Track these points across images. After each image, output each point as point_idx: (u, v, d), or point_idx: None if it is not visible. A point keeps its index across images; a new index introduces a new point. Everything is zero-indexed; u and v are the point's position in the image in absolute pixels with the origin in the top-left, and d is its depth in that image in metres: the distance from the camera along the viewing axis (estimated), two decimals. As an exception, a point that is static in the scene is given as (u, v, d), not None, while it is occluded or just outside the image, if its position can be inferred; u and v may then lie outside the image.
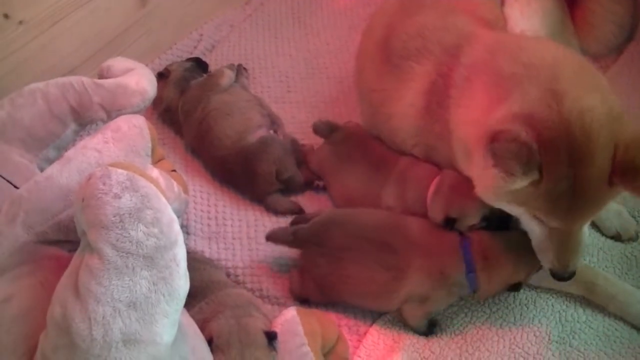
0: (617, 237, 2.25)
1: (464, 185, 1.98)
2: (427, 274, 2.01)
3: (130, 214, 1.45)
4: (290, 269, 2.23)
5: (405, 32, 2.24)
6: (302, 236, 2.11)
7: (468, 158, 1.95)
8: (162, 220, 1.49)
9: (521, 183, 1.72)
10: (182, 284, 1.51)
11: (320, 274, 2.09)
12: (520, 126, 1.72)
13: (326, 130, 2.41)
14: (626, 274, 2.17)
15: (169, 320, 1.47)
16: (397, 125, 2.24)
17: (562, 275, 1.92)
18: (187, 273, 1.54)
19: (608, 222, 2.25)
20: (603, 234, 2.26)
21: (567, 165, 1.71)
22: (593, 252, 2.21)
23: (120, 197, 1.46)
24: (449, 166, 2.10)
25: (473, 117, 1.92)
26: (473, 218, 2.05)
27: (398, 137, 2.26)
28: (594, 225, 2.26)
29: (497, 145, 1.71)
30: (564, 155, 1.71)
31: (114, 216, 1.44)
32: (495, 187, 1.78)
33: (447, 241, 2.03)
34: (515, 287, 2.04)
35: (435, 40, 2.16)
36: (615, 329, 2.05)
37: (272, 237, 2.17)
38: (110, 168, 1.51)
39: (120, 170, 1.50)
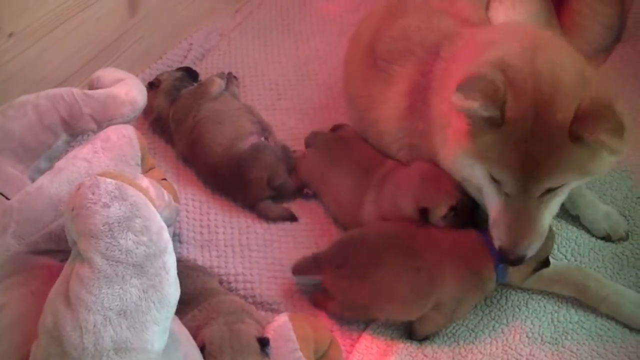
0: (607, 238, 2.26)
1: (434, 174, 2.02)
2: (462, 277, 2.00)
3: (119, 222, 1.46)
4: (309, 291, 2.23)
5: (390, 35, 2.27)
6: (322, 260, 2.09)
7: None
8: (151, 229, 1.50)
9: (481, 113, 1.73)
10: (172, 291, 1.51)
11: (349, 296, 2.07)
12: (491, 69, 1.77)
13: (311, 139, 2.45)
14: (617, 274, 2.18)
15: (160, 327, 1.48)
16: (382, 129, 2.25)
17: (509, 255, 1.89)
18: (177, 280, 1.55)
19: (597, 224, 2.25)
20: (593, 235, 2.27)
21: (530, 112, 1.73)
22: (584, 252, 2.22)
23: (109, 206, 1.47)
24: None
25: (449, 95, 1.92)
26: (444, 207, 2.05)
27: (383, 141, 2.28)
28: (584, 227, 2.27)
29: (463, 82, 1.76)
30: (529, 102, 1.73)
31: (103, 225, 1.45)
32: (459, 139, 1.81)
33: (472, 239, 2.02)
34: (545, 263, 2.03)
35: (417, 41, 2.19)
36: (608, 329, 2.05)
37: (297, 270, 2.13)
38: (99, 178, 1.52)
39: (109, 180, 1.51)
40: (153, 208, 1.53)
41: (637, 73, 2.70)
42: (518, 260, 1.89)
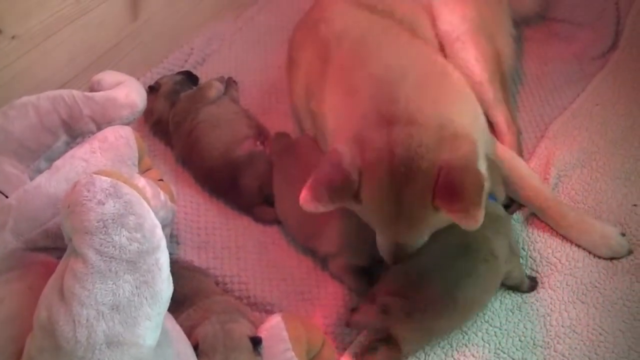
0: (612, 259, 2.24)
1: None
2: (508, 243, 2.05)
3: (113, 219, 1.48)
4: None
5: (302, 26, 2.42)
6: (390, 309, 1.94)
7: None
8: (145, 226, 1.52)
9: (328, 209, 1.77)
10: (165, 287, 1.53)
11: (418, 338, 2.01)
12: (349, 146, 1.78)
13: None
14: (611, 278, 2.19)
15: (152, 323, 1.50)
16: (296, 104, 2.36)
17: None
18: (170, 277, 1.56)
19: (597, 250, 2.25)
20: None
21: (387, 188, 1.76)
22: (578, 257, 2.25)
23: (103, 204, 1.49)
24: None
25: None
26: None
27: (300, 117, 2.38)
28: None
29: (320, 169, 1.78)
30: (385, 178, 1.75)
31: (98, 222, 1.47)
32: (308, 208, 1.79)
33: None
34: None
35: (322, 32, 2.27)
36: (600, 334, 2.06)
37: (357, 324, 2.02)
38: (94, 175, 1.54)
39: (104, 178, 1.53)
40: (147, 206, 1.55)
41: (633, 80, 2.71)
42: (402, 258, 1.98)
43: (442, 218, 1.80)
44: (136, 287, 1.48)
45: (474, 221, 1.67)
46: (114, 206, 1.50)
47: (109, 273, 1.46)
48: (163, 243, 1.55)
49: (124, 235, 1.48)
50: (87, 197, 1.50)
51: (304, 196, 1.74)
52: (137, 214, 1.52)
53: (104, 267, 1.46)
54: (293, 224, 2.31)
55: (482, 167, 1.80)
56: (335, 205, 1.76)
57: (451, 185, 1.71)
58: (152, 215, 1.56)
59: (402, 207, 1.78)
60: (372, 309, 1.95)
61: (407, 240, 1.91)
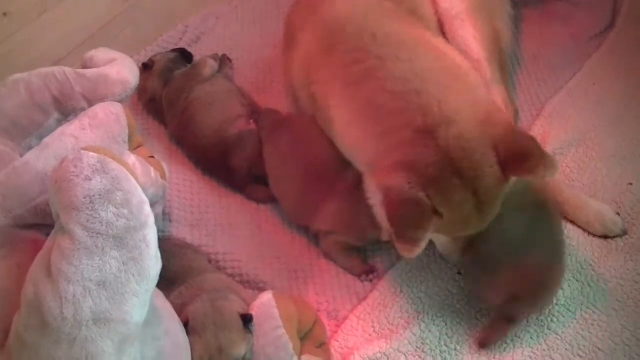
0: (605, 237, 2.25)
1: None
2: None
3: (100, 195, 1.48)
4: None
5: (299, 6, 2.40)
6: (520, 312, 2.00)
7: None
8: (132, 202, 1.51)
9: (427, 239, 1.78)
10: (153, 264, 1.53)
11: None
12: (404, 175, 1.78)
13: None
14: (606, 257, 2.19)
15: (139, 300, 1.49)
16: (294, 83, 2.32)
17: None
18: (159, 254, 1.56)
19: (591, 227, 2.25)
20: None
21: (462, 190, 1.78)
22: (573, 235, 2.24)
23: (90, 179, 1.49)
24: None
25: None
26: None
27: (296, 95, 2.34)
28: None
29: (396, 231, 1.78)
30: (457, 183, 1.78)
31: (85, 197, 1.47)
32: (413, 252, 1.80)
33: None
34: None
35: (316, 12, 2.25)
36: (594, 312, 2.06)
37: (494, 342, 2.02)
38: (82, 151, 1.53)
39: (91, 154, 1.52)
40: (135, 182, 1.55)
41: (630, 60, 2.70)
42: None
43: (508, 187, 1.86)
44: (123, 264, 1.47)
45: (552, 166, 1.76)
46: (101, 182, 1.49)
47: (95, 249, 1.45)
48: (151, 219, 1.55)
49: (110, 211, 1.48)
50: (74, 173, 1.50)
51: (402, 249, 1.78)
52: (124, 190, 1.51)
53: (91, 243, 1.45)
54: (289, 202, 2.30)
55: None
56: (429, 234, 1.77)
57: (514, 153, 1.78)
58: (140, 191, 1.55)
59: (481, 199, 1.81)
60: (501, 323, 2.00)
61: (484, 227, 1.92)
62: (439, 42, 2.14)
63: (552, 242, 2.01)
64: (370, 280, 2.20)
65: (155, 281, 1.56)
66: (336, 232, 2.20)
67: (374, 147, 1.91)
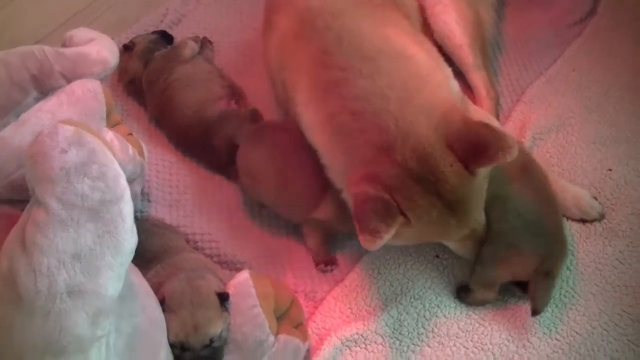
0: (582, 221, 2.25)
1: None
2: None
3: (76, 168, 1.48)
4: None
5: None
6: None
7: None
8: (108, 175, 1.51)
9: (391, 233, 1.76)
10: (128, 238, 1.52)
11: None
12: (370, 185, 1.78)
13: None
14: (585, 241, 2.20)
15: (114, 273, 1.49)
16: (271, 66, 2.31)
17: None
18: (134, 228, 1.56)
19: (568, 211, 2.25)
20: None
21: (425, 195, 1.78)
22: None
23: (66, 152, 1.48)
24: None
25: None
26: None
27: (271, 79, 2.33)
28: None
29: (360, 222, 1.76)
30: (419, 190, 1.77)
31: (60, 170, 1.47)
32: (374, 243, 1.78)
33: None
34: None
35: None
36: (572, 296, 2.08)
37: (539, 308, 2.01)
38: (58, 125, 1.53)
39: (67, 127, 1.52)
40: (111, 155, 1.54)
41: (610, 47, 2.70)
42: None
43: (483, 178, 1.85)
44: (98, 237, 1.47)
45: (510, 147, 1.72)
46: (77, 154, 1.49)
47: (70, 221, 1.45)
48: (127, 193, 1.54)
49: (86, 184, 1.47)
50: (50, 145, 1.49)
51: (364, 240, 1.75)
52: (100, 163, 1.51)
53: (65, 215, 1.45)
54: (296, 200, 2.22)
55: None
56: (393, 229, 1.75)
57: (471, 146, 1.76)
58: (116, 165, 1.55)
59: (450, 199, 1.79)
60: (542, 284, 2.00)
61: (475, 224, 1.92)
62: (404, 40, 2.07)
63: (554, 199, 2.11)
64: (327, 272, 2.20)
65: (131, 255, 1.55)
66: (330, 220, 2.18)
67: (341, 162, 1.92)
